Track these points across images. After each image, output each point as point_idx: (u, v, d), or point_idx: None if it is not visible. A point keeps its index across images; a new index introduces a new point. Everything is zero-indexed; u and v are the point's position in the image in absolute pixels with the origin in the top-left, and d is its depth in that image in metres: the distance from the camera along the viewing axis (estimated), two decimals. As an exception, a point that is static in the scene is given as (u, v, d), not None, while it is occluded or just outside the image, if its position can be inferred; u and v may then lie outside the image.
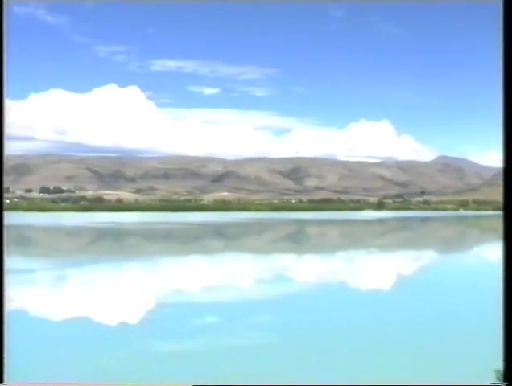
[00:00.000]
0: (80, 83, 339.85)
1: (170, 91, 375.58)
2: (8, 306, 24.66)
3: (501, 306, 5.79)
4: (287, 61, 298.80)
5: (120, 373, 13.30)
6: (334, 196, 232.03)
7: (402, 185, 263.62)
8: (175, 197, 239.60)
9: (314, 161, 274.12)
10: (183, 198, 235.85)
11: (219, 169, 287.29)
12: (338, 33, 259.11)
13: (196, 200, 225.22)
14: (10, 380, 10.84)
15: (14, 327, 20.32)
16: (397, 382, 11.75)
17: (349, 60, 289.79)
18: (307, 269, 38.28)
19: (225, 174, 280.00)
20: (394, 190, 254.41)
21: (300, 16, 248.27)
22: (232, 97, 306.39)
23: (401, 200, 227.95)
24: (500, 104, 5.53)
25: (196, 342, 16.54)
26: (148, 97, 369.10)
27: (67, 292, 29.47)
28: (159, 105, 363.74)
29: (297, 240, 73.84)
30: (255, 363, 14.15)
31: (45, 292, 29.60)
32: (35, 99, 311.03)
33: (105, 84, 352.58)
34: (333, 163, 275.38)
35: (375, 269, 37.89)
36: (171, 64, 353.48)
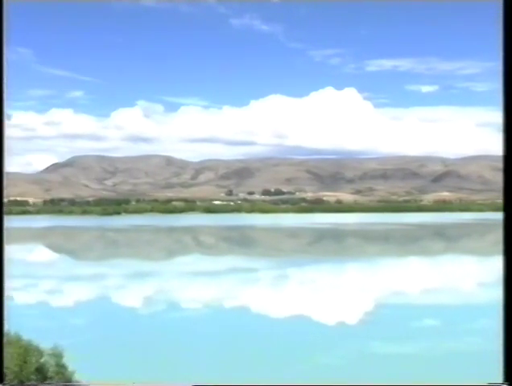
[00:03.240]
0: (298, 87, 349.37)
1: (387, 91, 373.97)
2: (232, 303, 25.71)
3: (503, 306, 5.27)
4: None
5: (337, 372, 13.40)
6: None
7: None
8: (393, 198, 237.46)
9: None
10: (401, 198, 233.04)
11: (439, 168, 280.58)
12: None
13: (415, 201, 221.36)
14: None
15: (237, 323, 21.24)
16: (397, 382, 10.99)
17: None
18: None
19: (446, 174, 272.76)
20: None
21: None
22: (451, 94, 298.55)
23: None
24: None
25: (414, 345, 16.26)
26: (365, 98, 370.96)
27: (288, 291, 30.21)
28: (377, 106, 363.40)
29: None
30: (474, 370, 13.61)
31: (267, 290, 30.56)
32: (255, 105, 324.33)
33: (322, 87, 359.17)
34: None
35: None
36: (387, 64, 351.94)
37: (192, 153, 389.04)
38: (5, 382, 6.20)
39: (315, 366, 13.99)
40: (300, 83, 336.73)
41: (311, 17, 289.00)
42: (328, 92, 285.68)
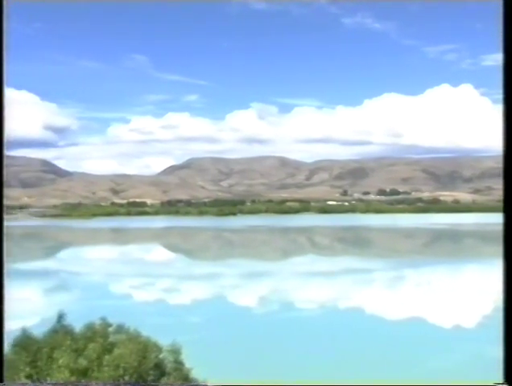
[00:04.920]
0: (412, 85, 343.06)
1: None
2: (346, 304, 25.57)
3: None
4: None
5: (452, 377, 13.14)
6: None
7: None
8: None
9: None
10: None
11: None
12: None
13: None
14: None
15: (351, 324, 21.14)
16: (396, 382, 10.31)
17: None
18: None
19: None
20: None
21: None
22: None
23: None
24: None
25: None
26: (482, 94, 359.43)
27: (403, 292, 29.82)
28: (495, 102, 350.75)
29: None
30: None
31: (382, 292, 30.26)
32: (369, 104, 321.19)
33: (438, 84, 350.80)
34: None
35: None
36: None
37: (306, 154, 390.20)
38: (5, 382, 6.33)
39: (430, 370, 13.79)
40: (415, 80, 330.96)
41: (424, 13, 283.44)
42: (444, 89, 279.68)
